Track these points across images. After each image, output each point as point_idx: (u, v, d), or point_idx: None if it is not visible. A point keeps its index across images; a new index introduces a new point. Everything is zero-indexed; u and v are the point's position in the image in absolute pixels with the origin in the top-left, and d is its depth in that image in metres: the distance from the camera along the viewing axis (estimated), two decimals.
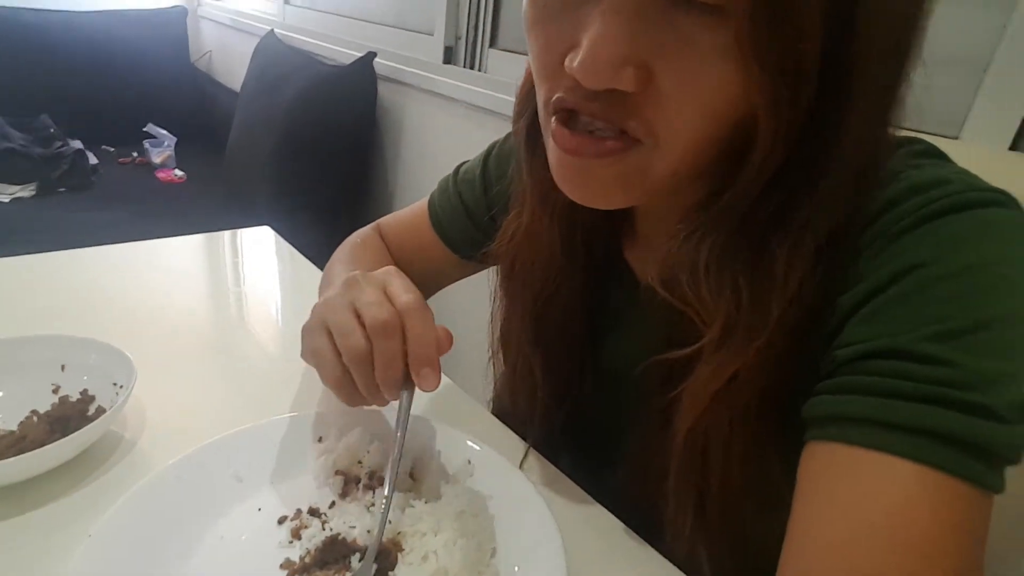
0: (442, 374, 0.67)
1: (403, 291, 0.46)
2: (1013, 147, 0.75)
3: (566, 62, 0.36)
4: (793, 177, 0.37)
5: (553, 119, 0.40)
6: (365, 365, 0.45)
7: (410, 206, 0.75)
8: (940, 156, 0.43)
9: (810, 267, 0.38)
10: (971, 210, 0.37)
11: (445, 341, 0.46)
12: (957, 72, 0.80)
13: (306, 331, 0.49)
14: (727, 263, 0.39)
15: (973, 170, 0.41)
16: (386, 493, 0.45)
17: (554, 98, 0.39)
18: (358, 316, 0.45)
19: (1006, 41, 0.74)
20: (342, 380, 0.45)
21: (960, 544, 0.34)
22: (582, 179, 0.41)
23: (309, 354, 0.48)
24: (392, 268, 0.49)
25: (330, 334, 0.46)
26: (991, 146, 0.77)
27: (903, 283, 0.36)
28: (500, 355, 0.61)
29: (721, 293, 0.39)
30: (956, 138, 0.81)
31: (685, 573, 0.47)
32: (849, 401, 0.36)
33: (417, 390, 0.46)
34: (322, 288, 0.70)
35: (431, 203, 0.71)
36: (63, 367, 0.55)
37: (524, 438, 0.59)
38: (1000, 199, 0.38)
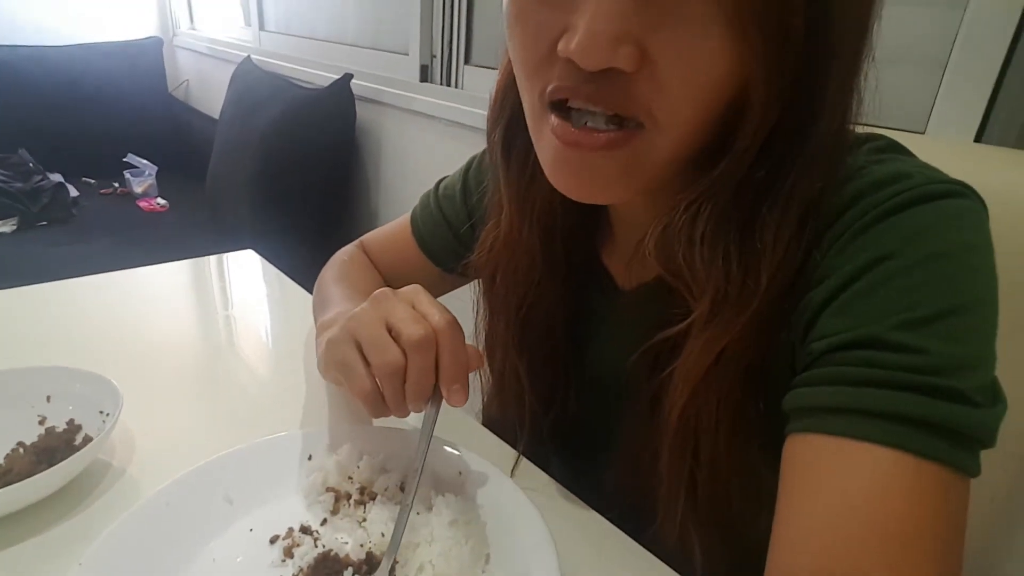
0: None
1: (435, 309, 0.47)
2: (977, 139, 0.78)
3: (560, 46, 0.36)
4: (780, 145, 0.39)
5: (552, 115, 0.40)
6: (397, 379, 0.45)
7: (392, 222, 0.76)
8: (901, 151, 0.45)
9: (794, 235, 0.39)
10: (932, 202, 0.38)
11: (475, 359, 0.48)
12: (919, 70, 0.83)
13: (332, 343, 0.49)
14: (721, 233, 0.40)
15: (940, 162, 0.42)
16: (408, 502, 0.45)
17: (549, 89, 0.39)
18: (390, 331, 0.46)
19: (961, 39, 0.76)
20: (372, 392, 0.46)
21: (938, 527, 0.35)
22: (582, 173, 0.41)
23: (335, 365, 0.49)
24: (418, 287, 0.50)
25: (359, 347, 0.47)
26: (956, 139, 0.79)
27: (871, 275, 0.38)
28: (486, 364, 0.62)
29: (713, 263, 0.40)
30: (922, 133, 0.83)
31: (677, 569, 0.47)
32: (825, 392, 0.38)
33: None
34: (316, 306, 0.70)
35: (413, 218, 0.72)
36: (48, 398, 0.55)
37: (514, 446, 0.59)
38: (959, 190, 0.39)
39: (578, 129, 0.39)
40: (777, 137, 0.38)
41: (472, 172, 0.68)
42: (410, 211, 0.73)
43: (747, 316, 0.40)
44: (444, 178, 0.72)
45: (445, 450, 0.55)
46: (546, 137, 0.41)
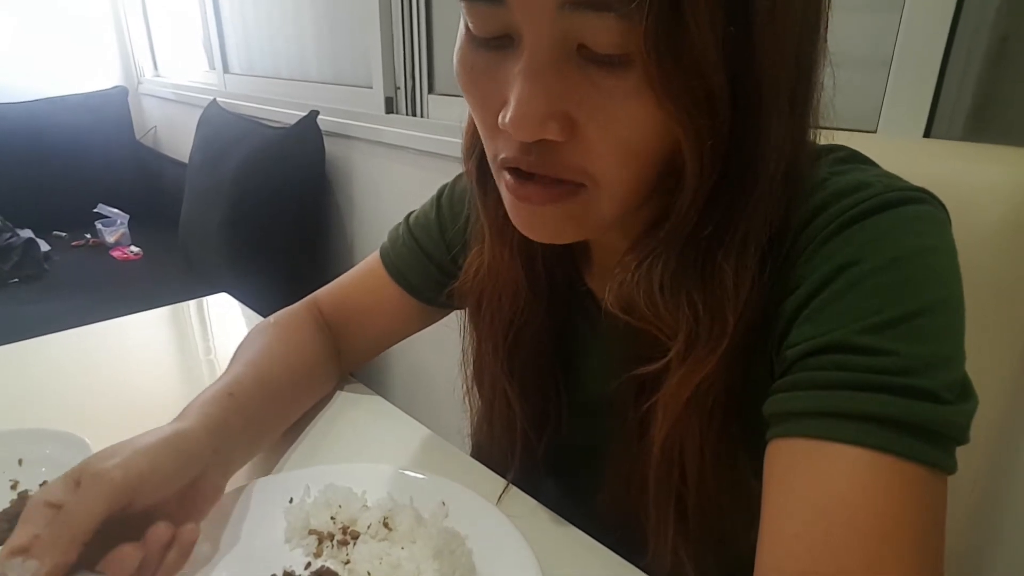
0: (415, 420, 0.68)
1: None
2: (927, 134, 0.80)
3: (499, 120, 0.38)
4: (726, 194, 0.39)
5: (505, 172, 0.42)
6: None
7: (350, 270, 0.73)
8: (862, 160, 0.46)
9: (756, 273, 0.40)
10: (892, 209, 0.39)
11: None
12: (865, 71, 0.85)
13: None
14: (680, 282, 0.41)
15: (892, 159, 0.44)
16: None
17: (499, 157, 0.41)
18: None
19: (901, 39, 0.79)
20: None
21: (917, 524, 0.35)
22: (536, 222, 0.43)
23: None
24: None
25: None
26: (906, 135, 0.81)
27: (837, 282, 0.39)
28: (475, 391, 0.62)
29: (679, 309, 0.41)
30: (874, 132, 0.85)
31: None
32: (799, 397, 0.38)
33: None
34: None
35: (384, 256, 0.70)
36: (20, 461, 0.54)
37: (503, 474, 0.59)
38: (917, 196, 0.41)
39: (527, 185, 0.41)
40: (724, 186, 0.39)
41: (445, 201, 0.67)
42: (375, 253, 0.71)
43: (721, 351, 0.41)
44: (411, 212, 0.71)
45: (428, 479, 0.55)
46: (503, 189, 0.44)
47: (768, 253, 0.41)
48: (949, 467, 0.36)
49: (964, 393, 0.37)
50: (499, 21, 0.37)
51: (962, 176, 0.57)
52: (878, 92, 0.83)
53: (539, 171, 0.40)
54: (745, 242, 0.40)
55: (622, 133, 0.37)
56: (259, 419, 0.58)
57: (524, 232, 0.44)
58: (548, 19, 0.35)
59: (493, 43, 0.38)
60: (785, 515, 0.38)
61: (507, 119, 0.37)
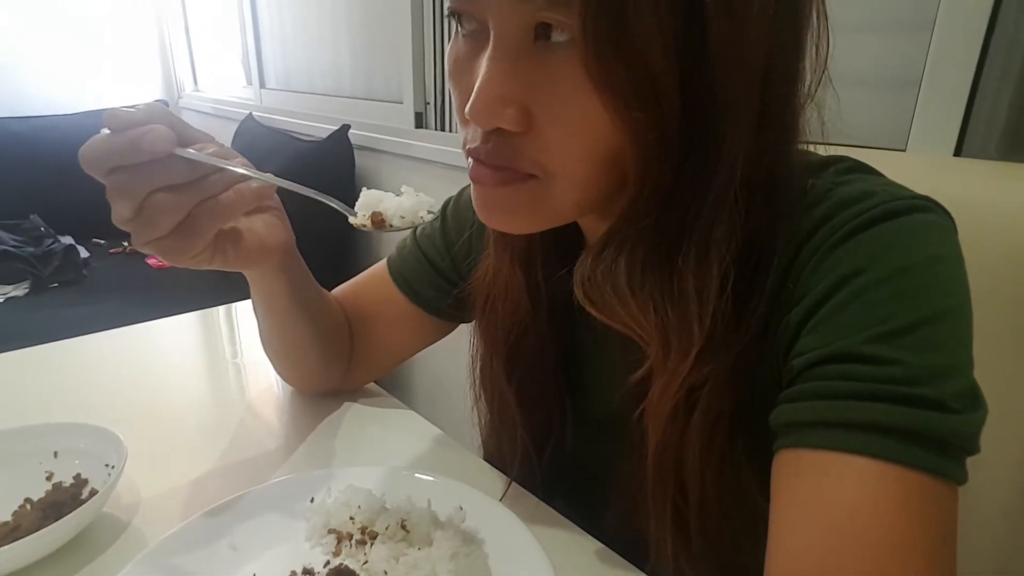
0: (428, 422, 0.69)
1: None
2: (957, 153, 0.79)
3: (464, 110, 0.40)
4: (682, 197, 0.39)
5: (469, 159, 0.44)
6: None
7: (359, 275, 0.74)
8: (866, 170, 0.46)
9: (723, 280, 0.39)
10: (897, 218, 0.39)
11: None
12: (895, 91, 0.85)
13: None
14: (647, 281, 0.41)
15: (920, 178, 0.43)
16: None
17: (467, 146, 0.43)
18: None
19: (932, 56, 0.78)
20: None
21: (926, 535, 0.35)
22: (491, 206, 0.44)
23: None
24: None
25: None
26: (936, 154, 0.80)
27: (843, 291, 0.38)
28: (482, 399, 0.62)
29: (646, 312, 0.41)
30: (903, 150, 0.84)
31: None
32: (805, 407, 0.38)
33: None
34: None
35: (391, 264, 0.71)
36: (56, 454, 0.56)
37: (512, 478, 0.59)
38: (923, 205, 0.40)
39: (482, 167, 0.42)
40: (681, 189, 0.39)
41: (451, 212, 0.68)
42: (382, 261, 0.72)
43: (695, 354, 0.40)
44: (418, 226, 0.72)
45: (445, 483, 0.56)
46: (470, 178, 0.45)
47: (757, 263, 0.40)
48: (959, 477, 0.36)
49: (973, 402, 0.36)
50: (476, 12, 0.39)
51: (992, 195, 0.56)
52: (908, 111, 0.83)
53: (495, 162, 0.41)
54: (706, 250, 0.39)
55: (571, 126, 0.38)
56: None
57: (482, 219, 0.45)
58: (507, 7, 0.37)
59: (472, 35, 0.41)
60: (792, 528, 0.37)
61: (468, 106, 0.38)
